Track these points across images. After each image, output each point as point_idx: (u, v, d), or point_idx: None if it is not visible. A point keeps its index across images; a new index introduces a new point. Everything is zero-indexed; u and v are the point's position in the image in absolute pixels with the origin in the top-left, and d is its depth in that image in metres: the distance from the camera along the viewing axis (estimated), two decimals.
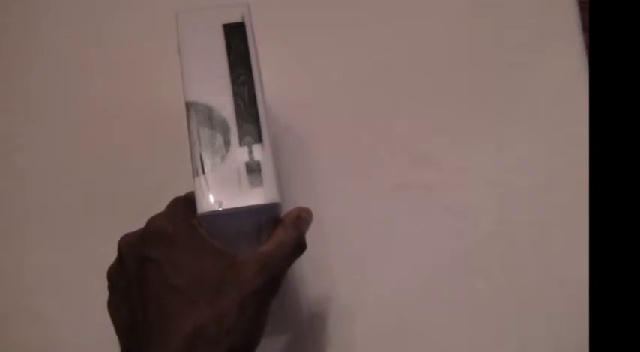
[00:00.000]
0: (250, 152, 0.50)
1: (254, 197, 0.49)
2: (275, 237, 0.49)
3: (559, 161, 0.64)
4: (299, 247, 0.50)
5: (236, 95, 0.52)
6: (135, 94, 0.68)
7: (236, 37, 0.54)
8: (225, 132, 0.51)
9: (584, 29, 0.69)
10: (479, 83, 0.68)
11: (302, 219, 0.51)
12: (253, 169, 0.50)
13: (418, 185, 0.64)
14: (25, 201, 0.64)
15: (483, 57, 0.69)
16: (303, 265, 0.60)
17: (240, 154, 0.50)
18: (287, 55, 0.70)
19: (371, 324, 0.59)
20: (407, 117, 0.67)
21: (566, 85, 0.67)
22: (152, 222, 0.49)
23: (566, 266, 0.60)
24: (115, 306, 0.50)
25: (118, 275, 0.50)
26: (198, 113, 0.51)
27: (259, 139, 0.51)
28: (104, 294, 0.57)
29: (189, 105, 0.52)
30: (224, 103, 0.52)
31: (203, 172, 0.50)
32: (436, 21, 0.71)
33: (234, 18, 0.54)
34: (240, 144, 0.50)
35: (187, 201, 0.50)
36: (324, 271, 0.61)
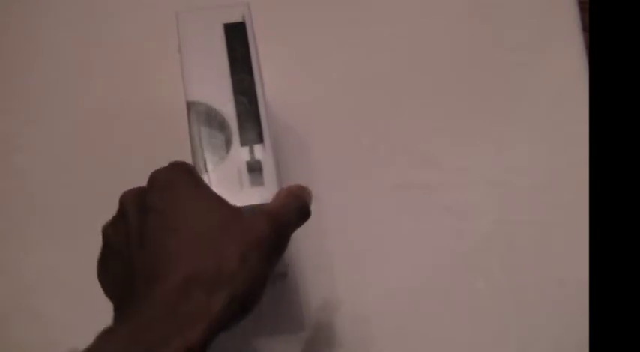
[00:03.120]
0: (251, 151, 0.50)
1: (255, 196, 0.49)
2: (280, 199, 0.48)
3: (559, 161, 0.64)
4: (303, 211, 0.48)
5: (237, 95, 0.52)
6: (135, 94, 0.68)
7: (236, 36, 0.54)
8: (226, 131, 0.51)
9: (584, 29, 0.69)
10: (479, 83, 0.68)
11: (305, 190, 0.50)
12: (254, 168, 0.50)
13: (418, 185, 0.64)
14: (25, 201, 0.64)
15: (483, 57, 0.69)
16: (304, 265, 0.60)
17: (241, 154, 0.50)
18: (287, 55, 0.70)
19: (371, 324, 0.59)
20: (407, 117, 0.67)
21: (566, 85, 0.67)
22: (156, 174, 0.48)
23: (566, 266, 0.60)
24: (107, 261, 0.48)
25: (116, 229, 0.47)
26: (199, 113, 0.52)
27: (260, 139, 0.51)
28: (104, 294, 0.57)
29: (190, 105, 0.52)
30: (225, 103, 0.52)
31: (205, 171, 0.50)
32: (436, 21, 0.71)
33: (234, 18, 0.54)
34: (242, 143, 0.51)
35: (187, 163, 0.49)
36: (324, 271, 0.61)
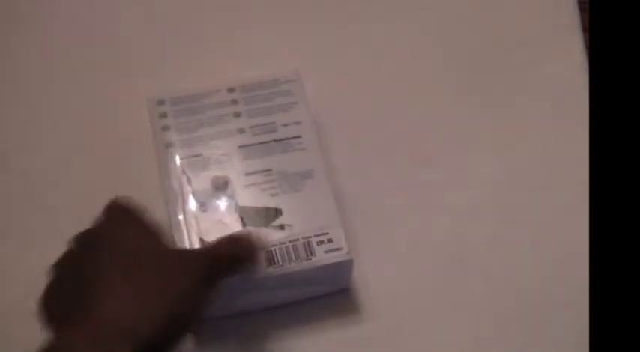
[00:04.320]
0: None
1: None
2: (219, 245, 0.51)
3: (559, 161, 0.64)
4: (236, 262, 0.51)
5: None
6: (135, 94, 0.68)
7: None
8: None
9: (584, 29, 0.69)
10: (479, 83, 0.68)
11: (240, 244, 0.52)
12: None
13: (418, 185, 0.64)
14: (25, 200, 0.64)
15: (483, 57, 0.69)
16: None
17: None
18: (287, 55, 0.70)
19: (371, 324, 0.59)
20: (407, 118, 0.67)
21: (566, 84, 0.67)
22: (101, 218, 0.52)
23: (566, 266, 0.60)
24: (53, 295, 0.50)
25: (67, 263, 0.51)
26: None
27: None
28: None
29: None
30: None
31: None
32: (436, 21, 0.71)
33: None
34: None
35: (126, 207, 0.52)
36: None
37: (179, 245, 0.55)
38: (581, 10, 0.70)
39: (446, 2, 0.71)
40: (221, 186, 0.56)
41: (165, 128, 0.59)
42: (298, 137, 0.59)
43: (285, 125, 0.59)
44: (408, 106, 0.67)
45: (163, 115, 0.60)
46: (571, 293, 0.58)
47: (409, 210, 0.63)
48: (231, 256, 0.51)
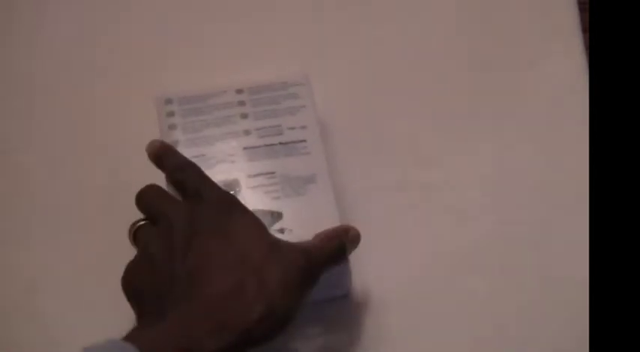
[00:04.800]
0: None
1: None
2: (319, 239, 0.52)
3: (559, 161, 0.64)
4: (339, 253, 0.53)
5: None
6: (135, 94, 0.68)
7: None
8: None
9: (584, 29, 0.69)
10: (479, 83, 0.68)
11: (350, 235, 0.54)
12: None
13: (418, 185, 0.64)
14: (25, 200, 0.64)
15: (483, 57, 0.69)
16: None
17: None
18: (286, 55, 0.70)
19: (371, 324, 0.59)
20: (407, 117, 0.67)
21: (566, 85, 0.67)
22: (206, 192, 0.52)
23: (566, 266, 0.60)
24: (142, 271, 0.50)
25: (159, 244, 0.50)
26: None
27: None
28: (104, 294, 0.57)
29: None
30: None
31: None
32: (436, 21, 0.71)
33: None
34: None
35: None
36: None
37: None
38: (581, 10, 0.70)
39: (446, 3, 0.71)
40: (228, 187, 0.56)
41: (172, 127, 0.59)
42: (303, 141, 0.59)
43: (291, 128, 0.59)
44: (409, 106, 0.67)
45: (171, 114, 0.60)
46: (571, 293, 0.58)
47: (409, 210, 0.63)
48: (337, 248, 0.52)
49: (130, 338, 0.45)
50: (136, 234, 0.53)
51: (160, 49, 0.70)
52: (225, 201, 0.52)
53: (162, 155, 0.56)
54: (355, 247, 0.54)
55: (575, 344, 0.57)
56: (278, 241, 0.51)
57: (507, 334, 0.58)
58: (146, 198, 0.54)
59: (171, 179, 0.55)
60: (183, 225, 0.50)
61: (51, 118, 0.68)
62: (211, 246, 0.49)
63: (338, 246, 0.53)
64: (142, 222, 0.53)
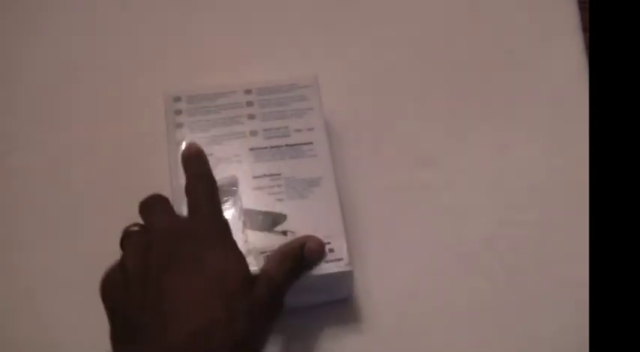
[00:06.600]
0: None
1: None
2: (273, 259, 0.52)
3: (559, 161, 0.64)
4: (298, 268, 0.52)
5: None
6: (136, 94, 0.68)
7: None
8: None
9: (584, 29, 0.69)
10: (479, 83, 0.68)
11: (306, 248, 0.52)
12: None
13: (418, 185, 0.64)
14: (25, 200, 0.64)
15: (483, 57, 0.69)
16: None
17: None
18: (286, 55, 0.70)
19: (371, 324, 0.59)
20: (407, 117, 0.67)
21: (566, 85, 0.67)
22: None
23: (566, 266, 0.60)
24: (116, 279, 0.49)
25: (137, 251, 0.49)
26: None
27: None
28: None
29: None
30: None
31: None
32: (436, 21, 0.71)
33: None
34: None
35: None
36: None
37: None
38: (581, 10, 0.70)
39: (447, 3, 0.71)
40: (228, 186, 0.56)
41: (179, 125, 0.59)
42: (310, 143, 0.59)
43: (297, 130, 0.59)
44: (408, 106, 0.67)
45: (178, 112, 0.60)
46: (571, 293, 0.58)
47: (409, 210, 0.63)
48: (292, 267, 0.52)
49: None
50: (123, 238, 0.52)
51: (169, 47, 0.70)
52: (216, 227, 0.51)
53: (190, 160, 0.56)
54: (319, 258, 0.53)
55: (575, 344, 0.57)
56: (252, 277, 0.50)
57: (508, 334, 0.59)
58: (146, 206, 0.53)
59: (185, 186, 0.54)
60: (162, 244, 0.49)
61: (51, 118, 0.68)
62: (185, 276, 0.48)
63: (292, 266, 0.52)
64: (133, 228, 0.52)
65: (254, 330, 0.47)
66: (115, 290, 0.49)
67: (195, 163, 0.55)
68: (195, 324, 0.46)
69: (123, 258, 0.50)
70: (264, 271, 0.51)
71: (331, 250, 0.55)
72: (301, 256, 0.52)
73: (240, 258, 0.50)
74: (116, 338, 0.48)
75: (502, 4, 0.71)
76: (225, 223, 0.51)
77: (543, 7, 0.70)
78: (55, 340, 0.59)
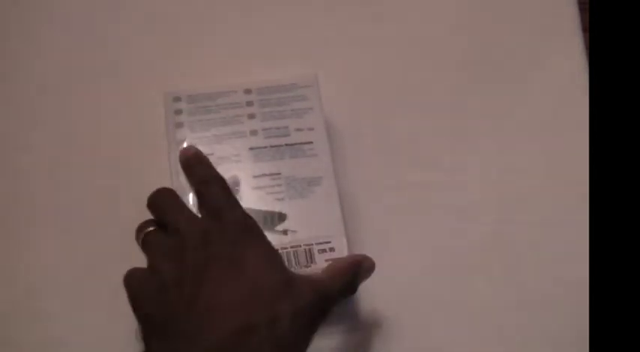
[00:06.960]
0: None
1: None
2: (329, 273, 0.52)
3: (559, 161, 0.64)
4: (349, 289, 0.52)
5: None
6: (136, 94, 0.68)
7: None
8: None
9: (584, 29, 0.69)
10: (479, 83, 0.68)
11: (363, 267, 0.53)
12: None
13: (418, 185, 0.64)
14: (26, 200, 0.64)
15: (483, 57, 0.69)
16: None
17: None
18: (286, 54, 0.70)
19: (370, 324, 0.59)
20: (407, 117, 0.67)
21: (566, 85, 0.67)
22: (227, 213, 0.51)
23: (566, 266, 0.60)
24: (150, 284, 0.49)
25: (171, 265, 0.49)
26: None
27: None
28: (104, 294, 0.57)
29: None
30: None
31: None
32: (436, 21, 0.71)
33: None
34: None
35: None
36: None
37: None
38: (581, 10, 0.70)
39: (447, 3, 0.71)
40: (231, 186, 0.56)
41: (179, 125, 0.59)
42: (310, 143, 0.59)
43: (298, 130, 0.59)
44: (408, 106, 0.67)
45: (178, 112, 0.60)
46: (571, 293, 0.58)
47: (409, 210, 0.63)
48: (350, 282, 0.52)
49: None
50: (145, 240, 0.52)
51: (170, 46, 0.70)
52: (244, 226, 0.51)
53: (193, 164, 0.55)
54: (368, 277, 0.53)
55: (575, 344, 0.57)
56: (291, 275, 0.50)
57: (508, 334, 0.59)
58: (160, 202, 0.53)
59: (195, 191, 0.54)
60: (196, 246, 0.49)
61: (52, 118, 0.68)
62: (223, 278, 0.47)
63: (351, 280, 0.52)
64: (152, 228, 0.52)
65: (298, 333, 0.47)
66: (150, 295, 0.48)
67: (200, 167, 0.55)
68: (237, 325, 0.46)
69: (153, 261, 0.50)
70: (318, 280, 0.50)
71: (332, 249, 0.55)
72: (359, 272, 0.52)
73: (277, 256, 0.50)
74: (152, 343, 0.48)
75: (502, 4, 0.71)
76: (254, 222, 0.51)
77: (543, 8, 0.70)
78: (55, 340, 0.59)
